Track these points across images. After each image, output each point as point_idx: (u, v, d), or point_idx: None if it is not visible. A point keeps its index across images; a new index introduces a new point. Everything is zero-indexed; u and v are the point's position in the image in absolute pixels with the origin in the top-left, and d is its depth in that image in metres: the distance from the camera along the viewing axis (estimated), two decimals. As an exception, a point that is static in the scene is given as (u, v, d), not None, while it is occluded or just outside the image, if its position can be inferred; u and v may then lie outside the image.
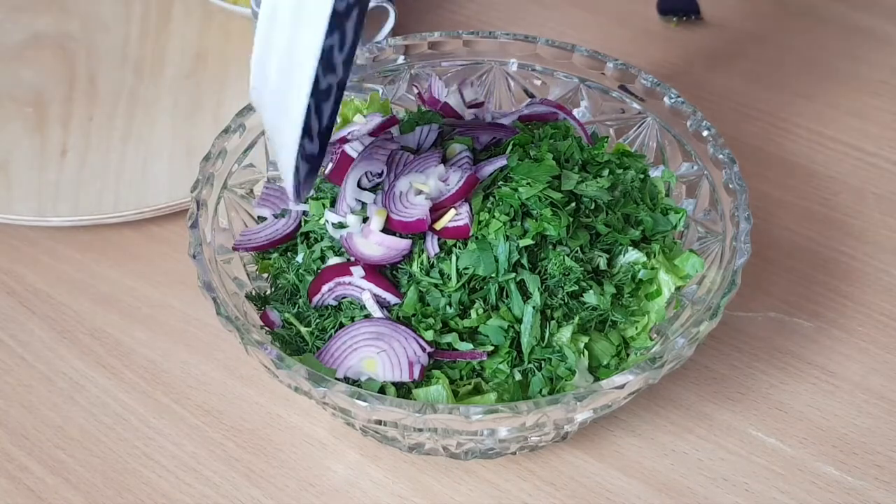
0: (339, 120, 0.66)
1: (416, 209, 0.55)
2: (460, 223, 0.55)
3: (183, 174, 0.76)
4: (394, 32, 0.83)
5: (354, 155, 0.60)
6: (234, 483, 0.59)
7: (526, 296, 0.55)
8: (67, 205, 0.73)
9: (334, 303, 0.56)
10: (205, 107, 0.82)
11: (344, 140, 0.63)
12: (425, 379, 0.54)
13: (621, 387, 0.49)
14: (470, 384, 0.54)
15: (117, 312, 0.69)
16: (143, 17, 0.92)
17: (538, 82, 0.68)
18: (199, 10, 0.92)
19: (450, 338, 0.54)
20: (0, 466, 0.60)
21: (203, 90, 0.84)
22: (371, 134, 0.61)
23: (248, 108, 0.63)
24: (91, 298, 0.70)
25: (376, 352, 0.53)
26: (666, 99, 0.64)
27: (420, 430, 0.50)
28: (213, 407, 0.63)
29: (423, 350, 0.53)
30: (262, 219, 0.63)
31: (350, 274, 0.56)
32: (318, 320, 0.56)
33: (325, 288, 0.56)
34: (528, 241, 0.55)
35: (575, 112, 0.67)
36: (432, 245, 0.56)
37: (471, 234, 0.55)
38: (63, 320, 0.68)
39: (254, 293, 0.60)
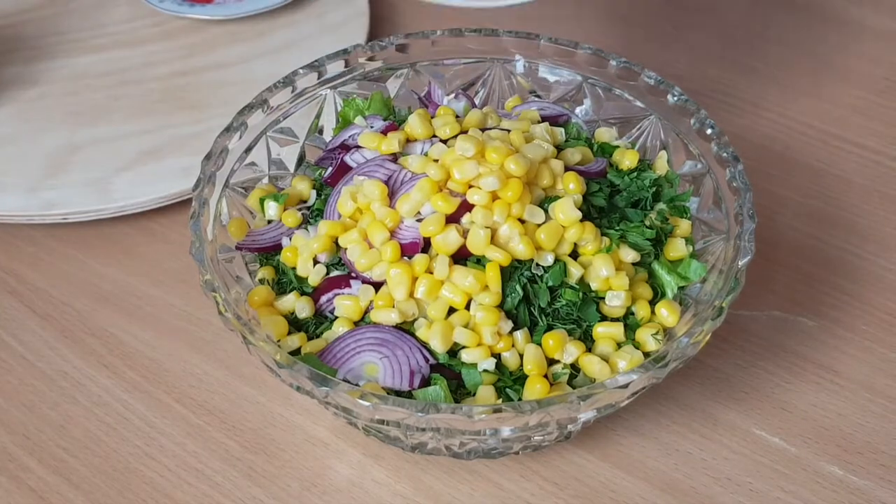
0: (339, 120, 0.66)
1: (409, 231, 0.55)
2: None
3: (184, 172, 0.75)
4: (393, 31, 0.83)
5: (354, 165, 0.60)
6: (235, 483, 0.59)
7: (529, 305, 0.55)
8: (67, 202, 0.73)
9: (333, 317, 0.56)
10: (206, 104, 0.82)
11: (345, 146, 0.62)
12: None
13: (625, 386, 0.49)
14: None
15: (119, 311, 0.69)
16: (145, 15, 0.92)
17: (543, 78, 0.68)
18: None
19: (453, 360, 0.54)
20: (1, 466, 0.60)
21: (204, 88, 0.83)
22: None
23: (250, 107, 0.63)
24: (92, 297, 0.70)
25: (379, 357, 0.52)
26: (669, 97, 0.64)
27: (423, 429, 0.50)
28: (215, 406, 0.63)
29: (427, 361, 0.53)
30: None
31: (349, 287, 0.56)
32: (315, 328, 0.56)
33: (323, 299, 0.56)
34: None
35: (577, 110, 0.67)
36: None
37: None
38: (64, 319, 0.68)
39: (256, 292, 0.60)
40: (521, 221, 0.55)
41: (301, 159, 0.66)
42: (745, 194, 0.57)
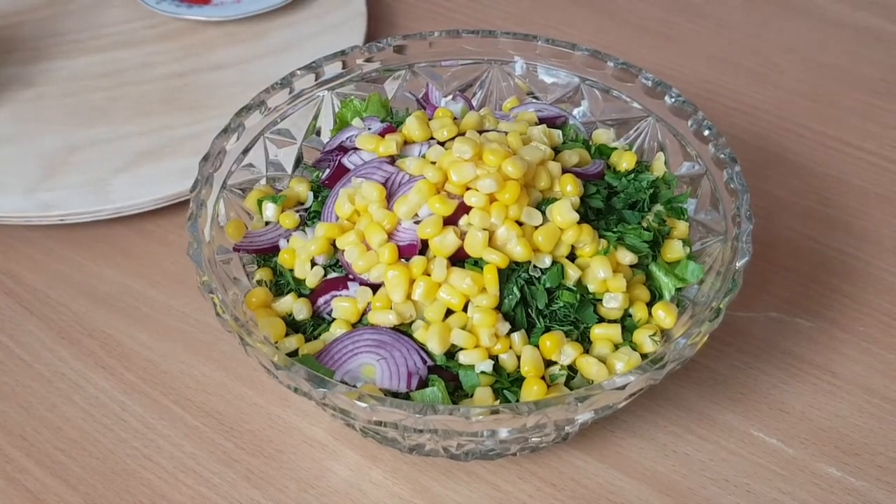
0: (337, 122, 0.66)
1: (407, 233, 0.55)
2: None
3: (182, 173, 0.75)
4: (391, 32, 0.83)
5: (351, 167, 0.60)
6: (233, 484, 0.59)
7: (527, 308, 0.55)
8: (65, 203, 0.73)
9: (330, 318, 0.56)
10: (204, 106, 0.82)
11: (343, 148, 0.62)
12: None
13: (622, 388, 0.49)
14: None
15: (116, 312, 0.69)
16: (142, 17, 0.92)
17: (541, 79, 0.68)
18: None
19: (450, 362, 0.54)
20: (-1, 468, 0.60)
21: (202, 89, 0.83)
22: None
23: (248, 108, 0.63)
24: (90, 298, 0.70)
25: (376, 359, 0.52)
26: (667, 98, 0.64)
27: (420, 431, 0.50)
28: (213, 408, 0.63)
29: (424, 363, 0.53)
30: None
31: (347, 288, 0.56)
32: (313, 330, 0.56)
33: (321, 300, 0.56)
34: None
35: (575, 112, 0.67)
36: None
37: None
38: (61, 320, 0.68)
39: (253, 294, 0.59)
40: (519, 224, 0.55)
41: (299, 161, 0.66)
42: (742, 195, 0.57)
